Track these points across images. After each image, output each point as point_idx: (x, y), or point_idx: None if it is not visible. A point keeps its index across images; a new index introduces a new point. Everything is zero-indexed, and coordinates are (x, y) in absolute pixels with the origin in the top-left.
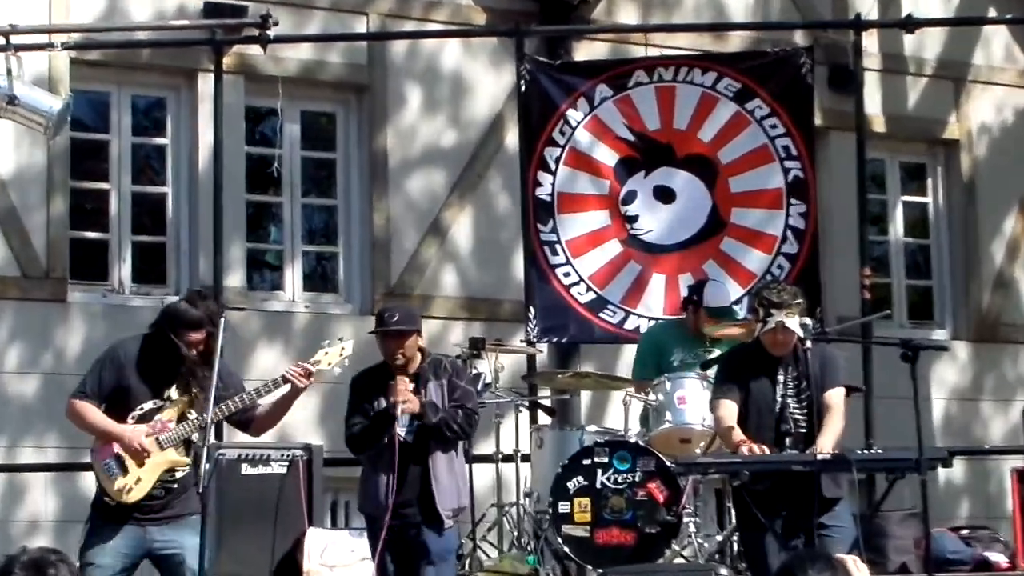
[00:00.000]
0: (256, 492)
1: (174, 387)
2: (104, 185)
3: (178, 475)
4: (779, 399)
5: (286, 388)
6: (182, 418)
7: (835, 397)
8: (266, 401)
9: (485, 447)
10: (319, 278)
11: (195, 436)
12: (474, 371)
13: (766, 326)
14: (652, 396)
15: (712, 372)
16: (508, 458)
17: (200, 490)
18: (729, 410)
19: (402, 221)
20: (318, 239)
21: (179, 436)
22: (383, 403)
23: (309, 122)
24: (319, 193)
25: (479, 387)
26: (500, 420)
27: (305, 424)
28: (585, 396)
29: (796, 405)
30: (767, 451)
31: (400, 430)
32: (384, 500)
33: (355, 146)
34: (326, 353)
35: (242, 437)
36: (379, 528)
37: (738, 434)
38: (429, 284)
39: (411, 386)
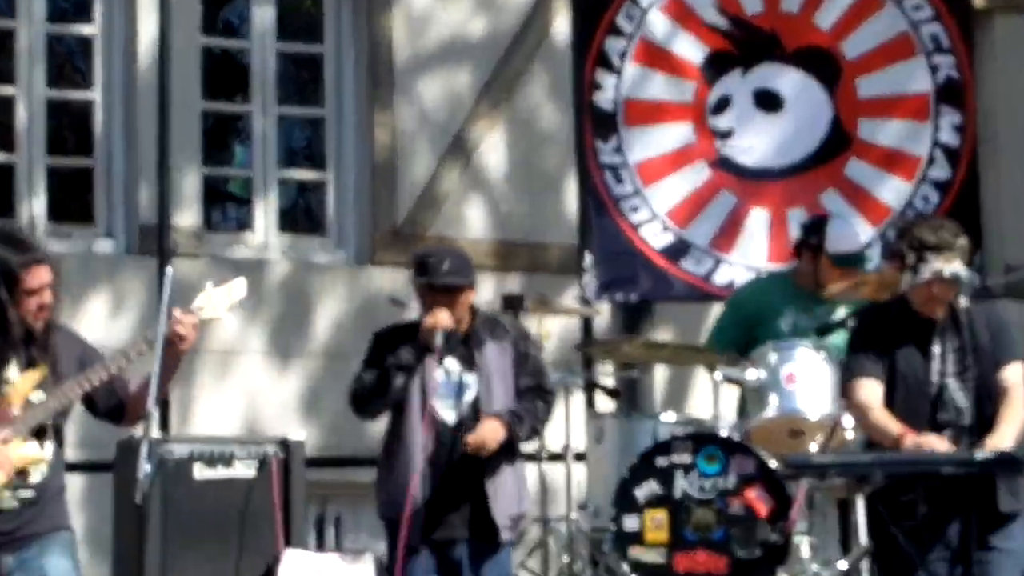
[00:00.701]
0: (214, 502)
1: (12, 364)
2: (8, 89)
3: (34, 478)
4: (936, 377)
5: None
6: (28, 404)
7: (1014, 375)
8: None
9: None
10: (301, 216)
11: (52, 420)
12: None
13: (918, 276)
14: (752, 372)
15: (833, 340)
16: (556, 457)
17: (138, 500)
18: (874, 392)
19: (413, 138)
20: (300, 163)
21: (27, 425)
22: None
23: (288, 5)
24: (301, 101)
25: None
26: None
27: (281, 412)
28: (660, 374)
29: (959, 385)
30: (945, 446)
31: (441, 404)
32: (416, 501)
33: (349, 37)
34: (210, 296)
35: (194, 428)
36: (408, 541)
37: (896, 424)
38: (449, 223)
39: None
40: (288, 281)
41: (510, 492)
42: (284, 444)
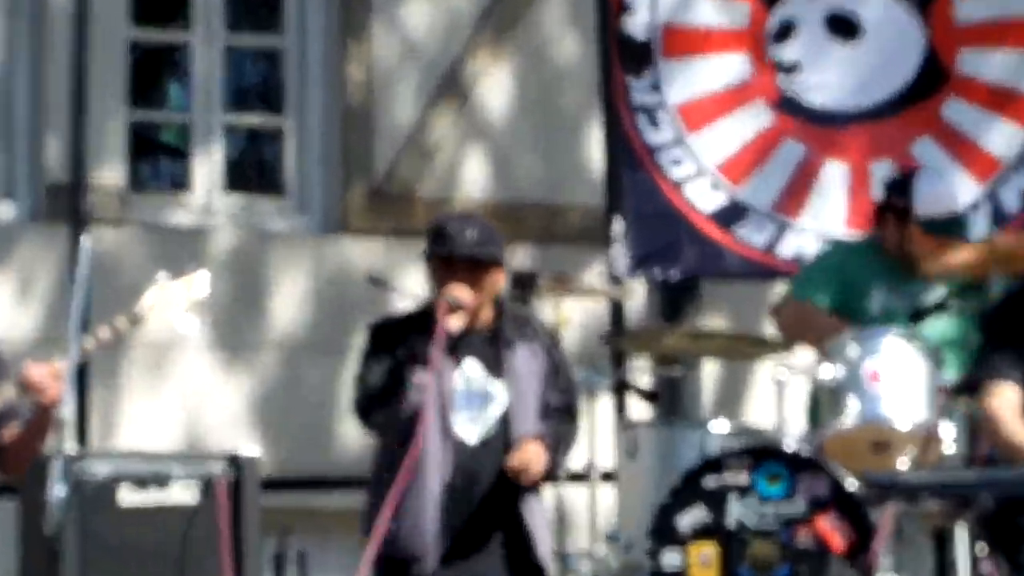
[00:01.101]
0: (145, 535)
1: None
2: None
3: None
4: None
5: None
6: None
7: None
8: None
9: None
10: (253, 172)
11: None
12: None
13: None
14: (826, 369)
15: (930, 328)
16: (576, 477)
17: (49, 531)
18: (1009, 399)
19: (394, 74)
20: (252, 105)
21: None
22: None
23: None
24: (253, 26)
25: None
26: None
27: (230, 421)
28: (710, 372)
29: None
30: None
31: (460, 418)
32: (432, 540)
33: None
34: (163, 293)
35: (120, 441)
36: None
37: None
38: (441, 181)
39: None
40: (237, 255)
41: (544, 526)
42: (234, 461)
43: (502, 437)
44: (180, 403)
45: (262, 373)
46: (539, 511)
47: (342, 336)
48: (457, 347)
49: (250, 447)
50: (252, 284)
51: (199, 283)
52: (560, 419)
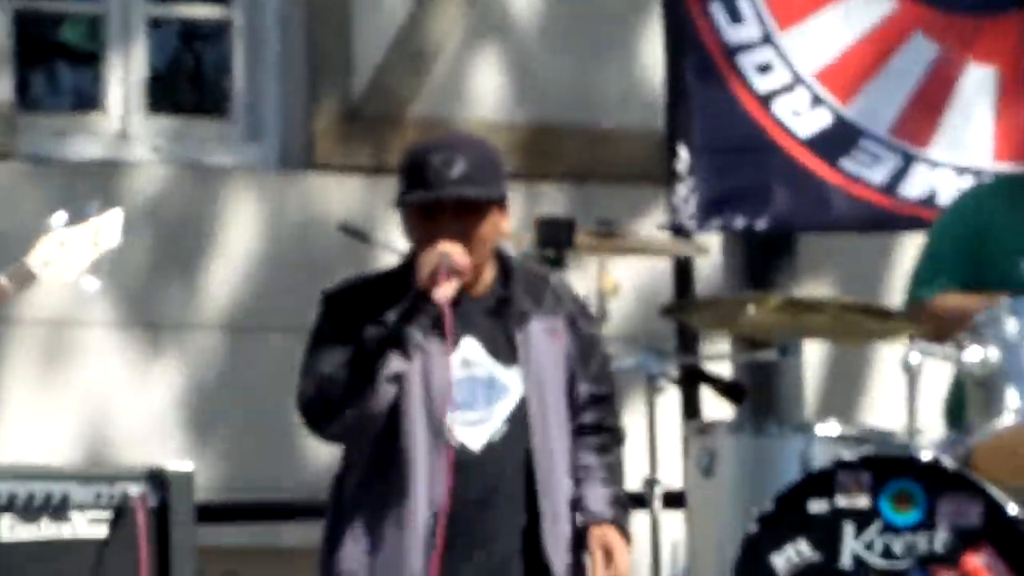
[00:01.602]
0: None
1: None
2: None
3: None
4: None
5: None
6: None
7: None
8: None
9: None
10: (186, 86)
11: None
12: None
13: None
14: (974, 352)
15: None
16: (633, 500)
17: None
18: None
19: None
20: None
21: None
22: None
23: None
24: None
25: None
26: None
27: (150, 426)
28: (814, 355)
29: None
30: None
31: (459, 418)
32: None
33: None
34: (61, 243)
35: (3, 454)
36: None
37: None
38: (443, 98)
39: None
40: (164, 199)
41: (576, 565)
42: (157, 481)
43: (516, 441)
44: (82, 401)
45: (197, 360)
46: (568, 544)
47: (306, 308)
48: (454, 319)
49: (180, 461)
50: (185, 239)
51: (109, 227)
52: (601, 440)
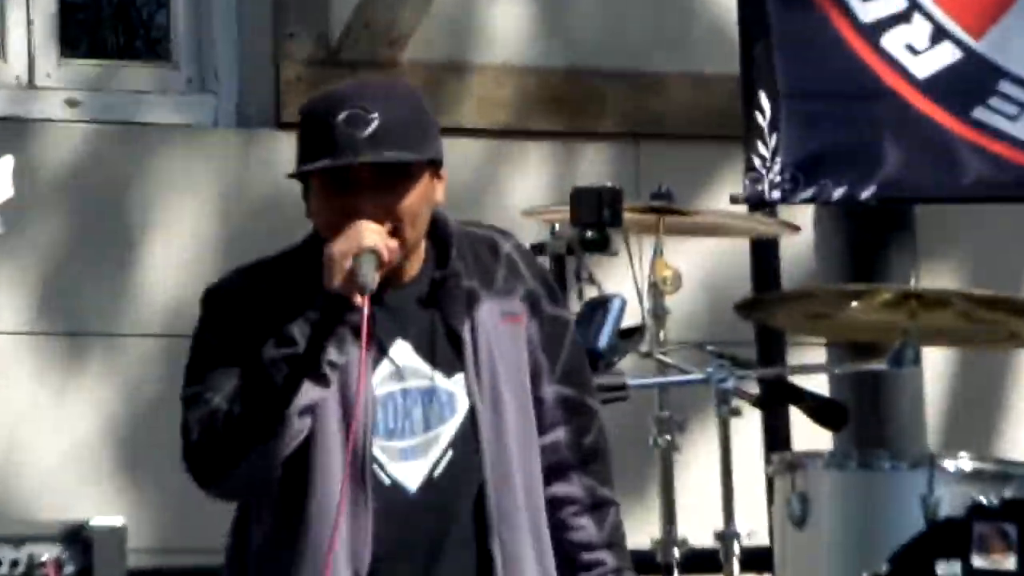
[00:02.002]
0: None
1: None
2: None
3: None
4: None
5: None
6: None
7: None
8: None
9: (639, 517)
10: (110, 22)
11: None
12: (587, 293)
13: None
14: None
15: None
16: (697, 562)
17: None
18: None
19: None
20: None
21: None
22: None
23: None
24: None
25: (607, 344)
26: (671, 442)
27: (71, 467)
28: (937, 367)
29: None
30: None
31: (387, 445)
32: None
33: None
34: None
35: None
36: None
37: None
38: (446, 38)
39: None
40: (83, 166)
41: None
42: (77, 539)
43: (465, 471)
44: None
45: (130, 376)
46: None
47: None
48: (373, 321)
49: (105, 512)
50: (112, 219)
51: None
52: (594, 458)
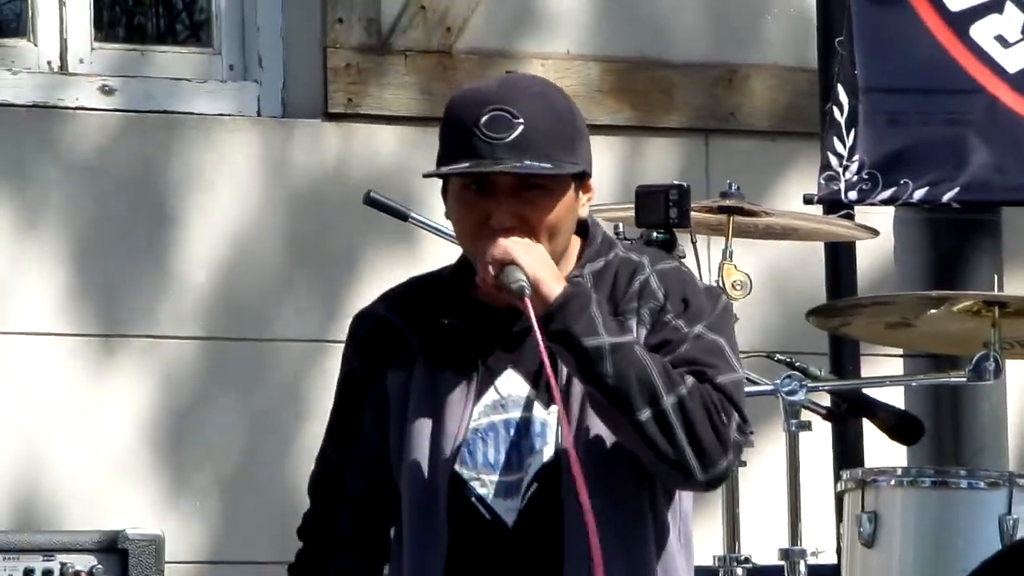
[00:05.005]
0: None
1: None
2: None
3: None
4: None
5: None
6: None
7: None
8: None
9: (702, 533)
10: (147, 4)
11: None
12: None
13: None
14: None
15: None
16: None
17: None
18: None
19: None
20: None
21: None
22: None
23: None
24: None
25: None
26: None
27: (102, 475)
28: (1020, 377)
29: None
30: None
31: (487, 475)
32: None
33: None
34: None
35: None
36: None
37: None
38: (506, 25)
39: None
40: (118, 156)
41: None
42: (113, 549)
43: (552, 507)
44: (6, 436)
45: (168, 378)
46: None
47: (320, 309)
48: (481, 345)
49: (142, 524)
50: (148, 213)
51: None
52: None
